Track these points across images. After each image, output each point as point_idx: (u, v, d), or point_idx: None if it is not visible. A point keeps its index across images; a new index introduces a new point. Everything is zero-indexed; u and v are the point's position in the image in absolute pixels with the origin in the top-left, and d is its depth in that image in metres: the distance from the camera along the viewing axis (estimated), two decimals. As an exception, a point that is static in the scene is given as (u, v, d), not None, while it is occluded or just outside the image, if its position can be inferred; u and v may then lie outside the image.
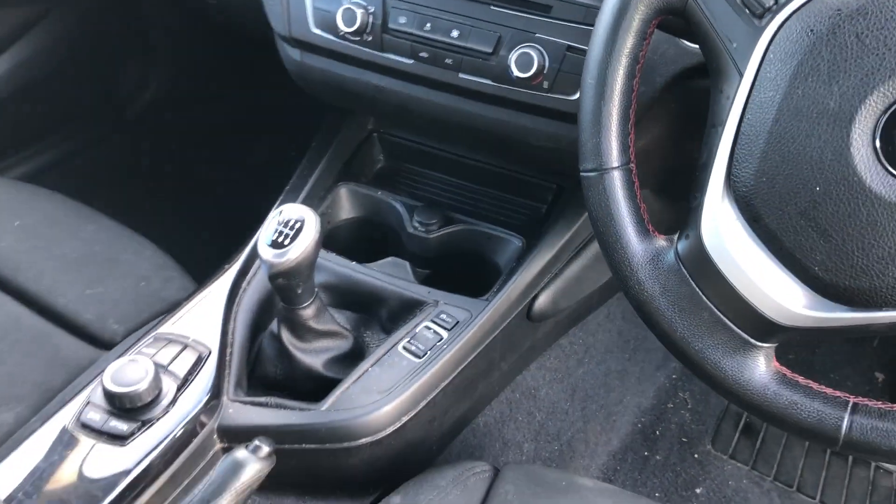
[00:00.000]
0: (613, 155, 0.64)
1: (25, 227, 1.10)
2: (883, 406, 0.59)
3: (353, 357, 0.89)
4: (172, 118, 1.65)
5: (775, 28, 0.56)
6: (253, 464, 0.68)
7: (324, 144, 1.08)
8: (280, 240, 0.78)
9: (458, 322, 0.90)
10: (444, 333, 0.89)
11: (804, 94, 0.54)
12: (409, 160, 1.13)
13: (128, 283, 1.04)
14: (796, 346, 1.38)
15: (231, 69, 1.62)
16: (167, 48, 1.63)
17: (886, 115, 0.53)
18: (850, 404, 0.60)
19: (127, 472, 0.75)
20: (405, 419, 0.84)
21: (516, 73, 0.84)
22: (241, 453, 0.69)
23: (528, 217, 1.05)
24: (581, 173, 0.65)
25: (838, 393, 0.61)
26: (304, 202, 1.02)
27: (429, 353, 0.87)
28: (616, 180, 0.64)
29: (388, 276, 0.95)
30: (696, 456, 1.28)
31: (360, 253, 0.99)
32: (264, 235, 0.79)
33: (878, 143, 0.53)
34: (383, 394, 0.83)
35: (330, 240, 1.03)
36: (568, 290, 1.02)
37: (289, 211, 0.80)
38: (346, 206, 1.07)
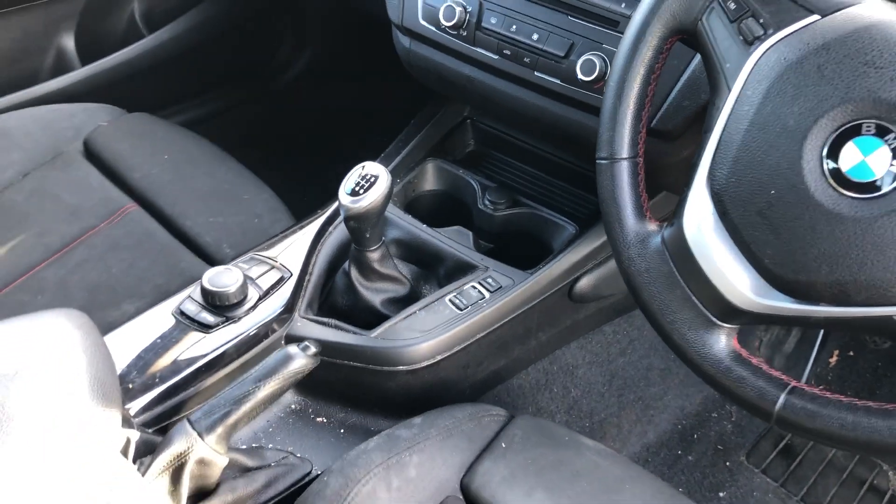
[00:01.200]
0: (624, 148, 0.75)
1: (172, 161, 1.32)
2: (817, 392, 0.68)
3: (407, 301, 1.04)
4: (312, 91, 1.87)
5: (759, 54, 0.66)
6: (300, 358, 0.85)
7: (421, 123, 1.24)
8: (357, 189, 0.94)
9: (501, 287, 1.03)
10: (487, 294, 1.03)
11: (771, 112, 0.65)
12: (495, 147, 1.27)
13: (244, 217, 1.23)
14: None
15: (364, 54, 1.82)
16: (316, 31, 1.85)
17: (833, 136, 0.62)
18: (790, 387, 0.69)
19: (206, 355, 0.94)
20: (439, 358, 0.99)
21: (581, 76, 0.97)
22: (292, 348, 0.85)
23: (588, 209, 1.16)
24: (596, 160, 0.77)
25: (783, 377, 0.70)
26: (394, 170, 1.19)
27: (470, 307, 1.01)
28: (624, 169, 0.76)
29: (451, 240, 1.10)
30: (727, 464, 1.35)
31: (433, 219, 1.14)
32: (346, 185, 0.95)
33: (824, 159, 0.62)
34: (424, 333, 0.98)
35: (411, 204, 1.19)
36: (611, 278, 1.13)
37: (368, 167, 0.96)
38: (430, 178, 1.22)
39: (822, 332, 1.52)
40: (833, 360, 1.53)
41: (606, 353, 1.31)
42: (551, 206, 1.16)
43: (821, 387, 0.68)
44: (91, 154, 1.32)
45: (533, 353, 1.20)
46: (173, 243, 1.18)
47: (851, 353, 1.53)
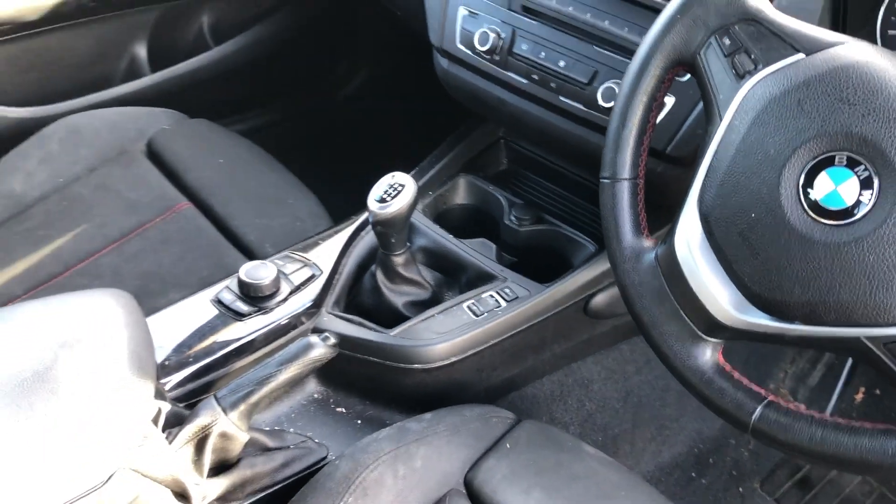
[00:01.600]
0: (626, 169, 0.81)
1: (226, 165, 1.42)
2: (791, 407, 0.72)
3: (428, 305, 1.10)
4: (363, 106, 1.96)
5: (749, 87, 0.71)
6: (320, 347, 0.92)
7: (456, 140, 1.32)
8: (384, 196, 1.02)
9: (517, 297, 1.09)
10: (503, 303, 1.09)
11: (754, 140, 0.69)
12: (526, 167, 1.33)
13: (287, 220, 1.32)
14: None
15: (411, 74, 1.90)
16: (371, 51, 1.95)
17: (809, 165, 0.67)
18: (766, 400, 0.73)
19: (237, 340, 1.02)
20: (453, 359, 1.05)
21: (601, 102, 1.02)
22: (313, 338, 0.92)
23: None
24: (600, 179, 0.82)
25: (761, 390, 0.74)
26: (427, 182, 1.26)
27: (486, 314, 1.07)
28: (624, 189, 0.81)
29: (474, 251, 1.16)
30: (740, 489, 1.37)
31: (460, 231, 1.21)
32: (375, 192, 1.03)
33: (800, 187, 0.67)
34: (440, 335, 1.05)
35: (441, 216, 1.26)
36: (626, 297, 1.17)
37: (398, 177, 1.03)
38: (461, 193, 1.29)
39: (848, 366, 1.53)
40: (859, 396, 1.53)
41: (622, 370, 1.35)
42: (574, 224, 1.21)
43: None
44: (152, 154, 1.42)
45: (548, 364, 1.25)
46: (220, 240, 1.27)
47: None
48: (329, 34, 1.91)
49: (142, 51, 1.69)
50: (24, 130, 1.44)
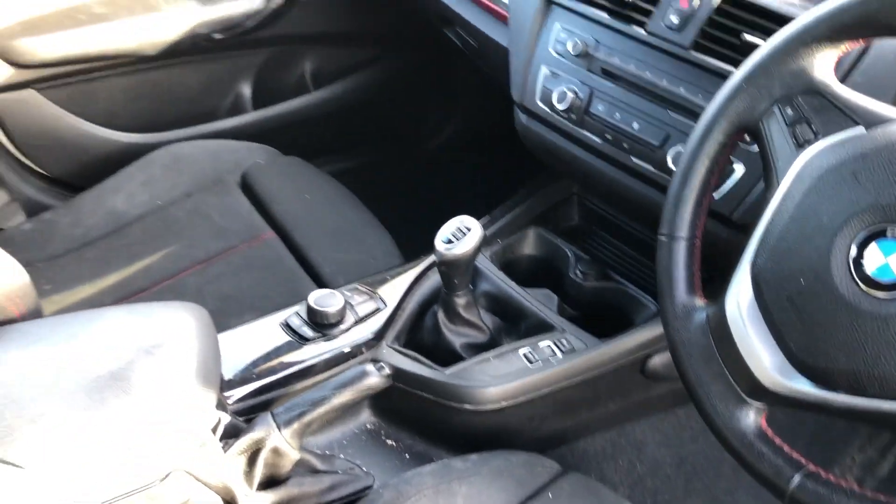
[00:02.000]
0: (683, 228, 0.82)
1: (312, 201, 1.50)
2: (832, 479, 0.71)
3: (485, 349, 1.13)
4: (452, 156, 2.02)
5: (807, 157, 0.72)
6: (374, 376, 0.96)
7: (530, 193, 1.35)
8: (451, 238, 1.06)
9: (573, 349, 1.11)
10: (559, 354, 1.10)
11: (808, 208, 0.70)
12: (597, 224, 1.35)
13: (361, 256, 1.37)
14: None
15: (496, 127, 1.96)
16: (462, 103, 2.02)
17: (861, 236, 0.67)
18: (806, 469, 0.72)
19: (299, 363, 1.07)
20: (504, 404, 1.07)
21: (671, 164, 1.04)
22: (369, 367, 0.96)
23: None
24: (658, 235, 0.84)
25: (803, 459, 0.73)
26: (497, 230, 1.30)
27: (540, 363, 1.09)
28: (681, 248, 0.82)
29: (536, 301, 1.19)
30: (794, 575, 1.31)
31: (525, 280, 1.23)
32: (442, 233, 1.07)
33: (851, 257, 0.67)
34: (493, 378, 1.07)
35: (507, 264, 1.29)
36: (685, 361, 1.16)
37: (465, 220, 1.07)
38: (530, 243, 1.32)
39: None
40: (931, 492, 1.46)
41: (678, 436, 1.33)
42: (638, 283, 1.22)
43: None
44: (245, 185, 1.51)
45: (601, 420, 1.24)
46: (298, 270, 1.34)
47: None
48: (423, 87, 1.99)
49: (247, 89, 1.81)
50: (132, 154, 1.56)
